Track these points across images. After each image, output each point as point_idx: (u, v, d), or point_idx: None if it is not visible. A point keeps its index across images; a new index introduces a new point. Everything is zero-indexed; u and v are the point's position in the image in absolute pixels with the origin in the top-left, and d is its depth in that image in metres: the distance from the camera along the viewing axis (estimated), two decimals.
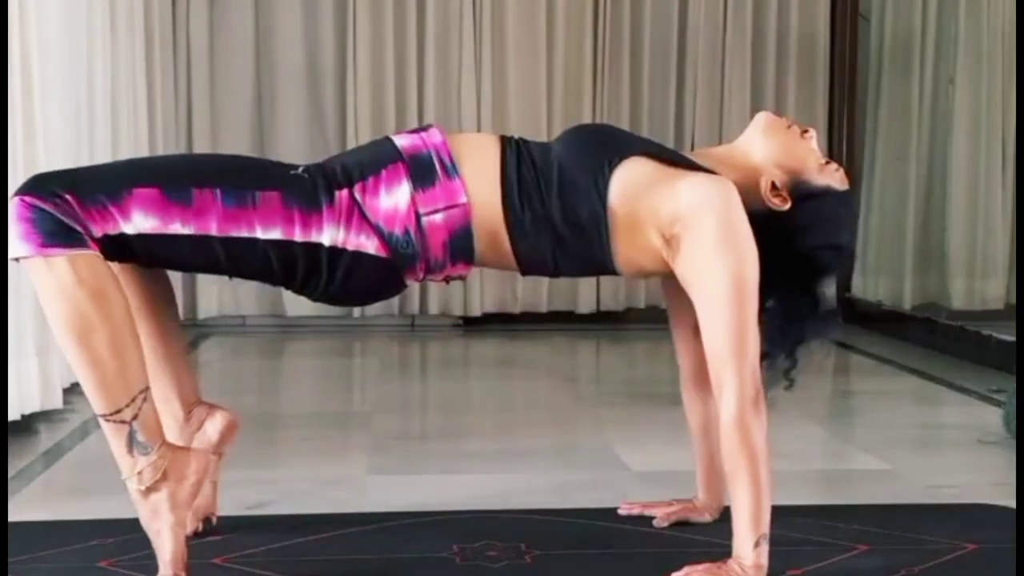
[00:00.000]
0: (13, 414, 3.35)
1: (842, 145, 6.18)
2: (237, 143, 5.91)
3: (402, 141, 2.24)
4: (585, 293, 6.06)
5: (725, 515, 2.36)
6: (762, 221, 2.22)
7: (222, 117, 5.92)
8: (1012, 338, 4.55)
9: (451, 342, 5.76)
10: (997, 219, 5.77)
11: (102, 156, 4.54)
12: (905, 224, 6.01)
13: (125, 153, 4.84)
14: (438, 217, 2.17)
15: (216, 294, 5.93)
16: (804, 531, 2.46)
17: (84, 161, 4.33)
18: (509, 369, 5.10)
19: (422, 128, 2.29)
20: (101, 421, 2.11)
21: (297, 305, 5.88)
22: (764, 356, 2.20)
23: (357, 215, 2.15)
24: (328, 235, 2.14)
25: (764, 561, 2.10)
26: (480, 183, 2.20)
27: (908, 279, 6.00)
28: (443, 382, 5.01)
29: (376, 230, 2.15)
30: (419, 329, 6.00)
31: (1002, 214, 5.75)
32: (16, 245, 2.04)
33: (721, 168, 2.28)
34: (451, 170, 2.19)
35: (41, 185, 2.07)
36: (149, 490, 2.12)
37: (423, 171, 2.19)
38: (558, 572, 2.28)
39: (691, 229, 2.14)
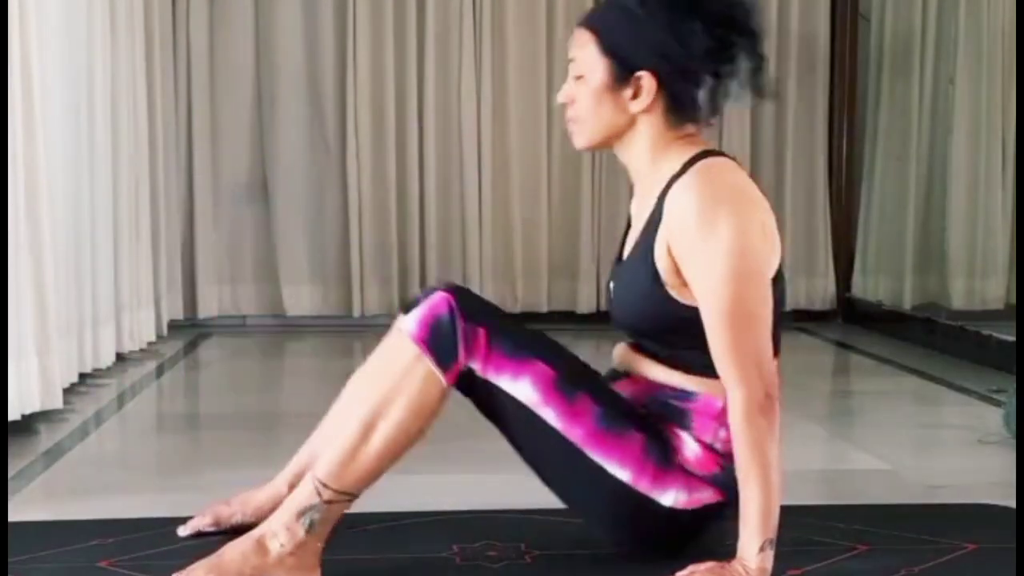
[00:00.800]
0: (13, 414, 3.34)
1: (842, 145, 6.18)
2: (237, 143, 5.92)
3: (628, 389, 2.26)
4: (585, 293, 6.06)
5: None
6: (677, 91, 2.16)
7: (222, 117, 5.91)
8: (1012, 338, 4.55)
9: None
10: (997, 219, 5.77)
11: (102, 156, 4.55)
12: (905, 224, 6.01)
13: (125, 153, 4.85)
14: (723, 433, 2.18)
15: (216, 294, 5.93)
16: (804, 531, 2.46)
17: (84, 161, 4.34)
18: None
19: (617, 377, 2.30)
20: (308, 477, 2.15)
21: (297, 305, 5.89)
22: None
23: (691, 476, 2.18)
24: (671, 496, 2.17)
25: (768, 565, 2.08)
26: (695, 382, 2.20)
27: (908, 279, 6.00)
28: None
29: (705, 481, 2.19)
30: None
31: (1002, 214, 5.75)
32: (412, 323, 2.14)
33: (632, 159, 2.24)
34: (684, 395, 2.21)
35: (469, 302, 2.16)
36: (267, 548, 2.13)
37: (674, 413, 2.21)
38: (558, 572, 2.28)
39: (678, 245, 2.12)
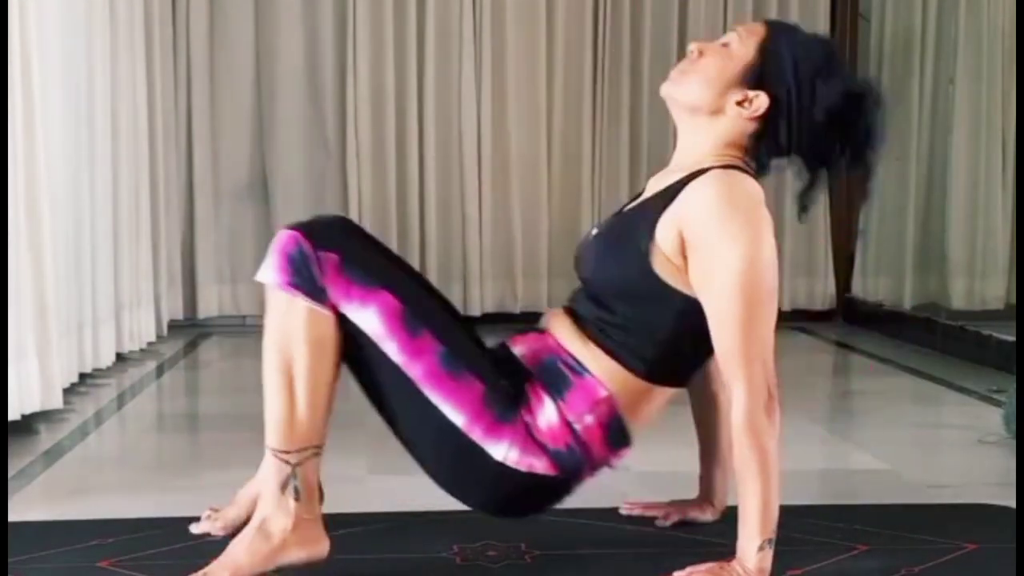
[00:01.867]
0: (13, 414, 3.34)
1: None
2: (237, 143, 5.92)
3: (520, 349, 2.25)
4: None
5: (727, 515, 2.36)
6: (773, 134, 2.19)
7: (222, 117, 5.91)
8: (1012, 338, 4.55)
9: None
10: (997, 219, 5.77)
11: (102, 156, 4.55)
12: (905, 224, 6.01)
13: (125, 153, 4.85)
14: (589, 419, 2.17)
15: (216, 294, 5.93)
16: (804, 531, 2.46)
17: (84, 161, 4.34)
18: None
19: (531, 331, 2.28)
20: (267, 455, 2.14)
21: None
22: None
23: (530, 437, 2.16)
24: (502, 450, 2.14)
25: (767, 565, 2.08)
26: (601, 364, 2.18)
27: (908, 279, 6.00)
28: None
29: (544, 450, 2.16)
30: None
31: (1002, 214, 5.74)
32: (268, 272, 2.12)
33: (699, 159, 2.22)
34: (578, 368, 2.18)
35: (317, 233, 2.12)
36: (269, 530, 2.13)
37: (555, 379, 2.19)
38: (558, 572, 2.28)
39: (691, 233, 2.11)
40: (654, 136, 5.97)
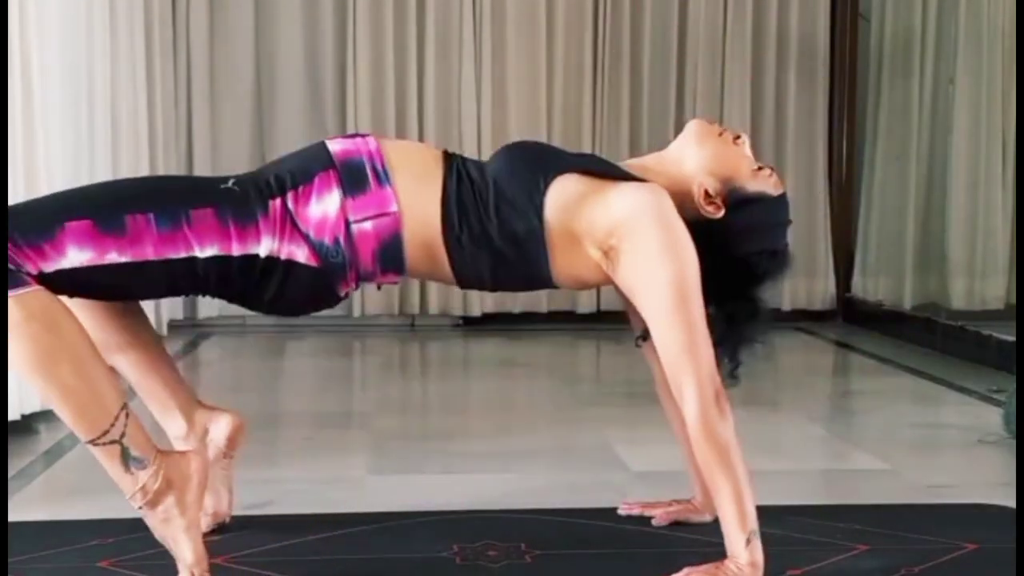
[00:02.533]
0: (13, 414, 3.34)
1: (842, 145, 6.19)
2: (237, 143, 5.92)
3: (335, 147, 2.23)
4: (585, 293, 6.05)
5: None
6: (699, 229, 2.23)
7: (222, 117, 5.91)
8: (1012, 338, 4.55)
9: (451, 342, 5.76)
10: (997, 219, 5.77)
11: (102, 156, 4.55)
12: (905, 224, 6.01)
13: (125, 152, 4.85)
14: (368, 225, 2.17)
15: None
16: (804, 531, 2.46)
17: (84, 162, 4.34)
18: (509, 369, 5.10)
19: (359, 135, 2.29)
20: (91, 449, 2.09)
21: None
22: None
23: (290, 224, 2.14)
24: (264, 246, 2.12)
25: (758, 557, 2.11)
26: (415, 194, 2.19)
27: (908, 279, 6.00)
28: (443, 382, 5.01)
29: (306, 239, 2.14)
30: (419, 329, 6.00)
31: (1002, 214, 5.75)
32: None
33: (654, 176, 2.29)
34: (383, 178, 2.19)
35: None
36: (155, 501, 2.12)
37: (355, 178, 2.18)
38: (558, 572, 2.28)
39: (628, 239, 2.16)
40: (654, 136, 5.96)
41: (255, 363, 5.26)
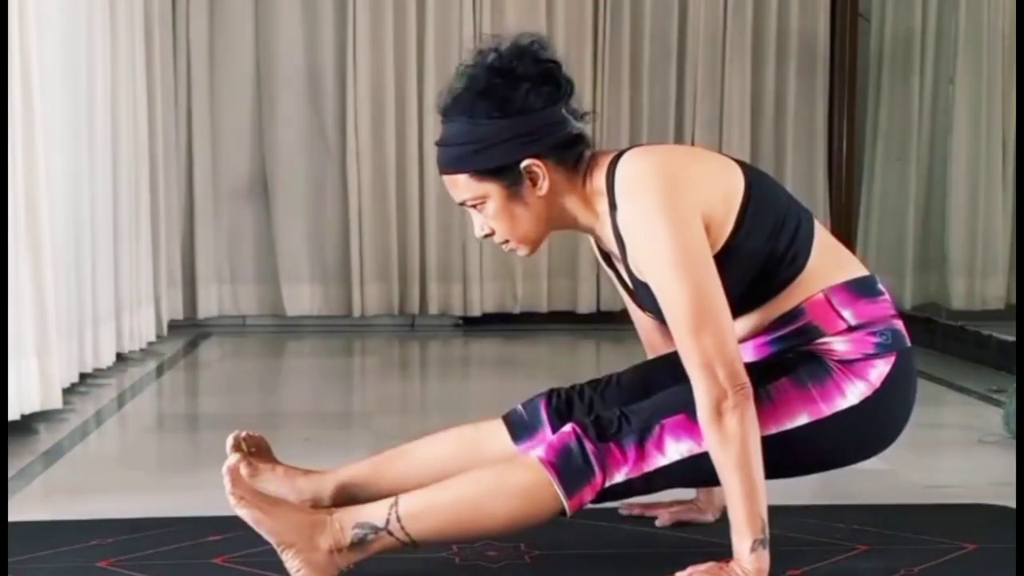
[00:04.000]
0: (13, 414, 3.34)
1: (842, 145, 6.18)
2: (237, 143, 5.92)
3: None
4: (585, 293, 6.06)
5: (726, 515, 2.35)
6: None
7: (222, 117, 5.92)
8: (1012, 338, 4.55)
9: (451, 342, 5.76)
10: (997, 219, 5.76)
11: (102, 156, 4.55)
12: (905, 224, 6.00)
13: (125, 153, 4.84)
14: (847, 312, 2.19)
15: (216, 294, 5.93)
16: (804, 531, 2.46)
17: (84, 163, 4.33)
18: (509, 369, 5.10)
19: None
20: (387, 501, 2.14)
21: (297, 305, 5.88)
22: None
23: (850, 365, 2.18)
24: (855, 394, 2.16)
25: (764, 564, 2.06)
26: (785, 301, 2.20)
27: (908, 279, 6.00)
28: (443, 382, 5.01)
29: (868, 357, 2.18)
30: (419, 329, 6.00)
31: (1002, 214, 5.74)
32: (541, 452, 2.13)
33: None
34: (790, 318, 2.20)
35: (600, 427, 2.14)
36: (318, 544, 2.11)
37: (805, 337, 2.19)
38: (558, 572, 2.28)
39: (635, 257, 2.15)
40: (654, 136, 5.96)
41: (255, 363, 5.26)
